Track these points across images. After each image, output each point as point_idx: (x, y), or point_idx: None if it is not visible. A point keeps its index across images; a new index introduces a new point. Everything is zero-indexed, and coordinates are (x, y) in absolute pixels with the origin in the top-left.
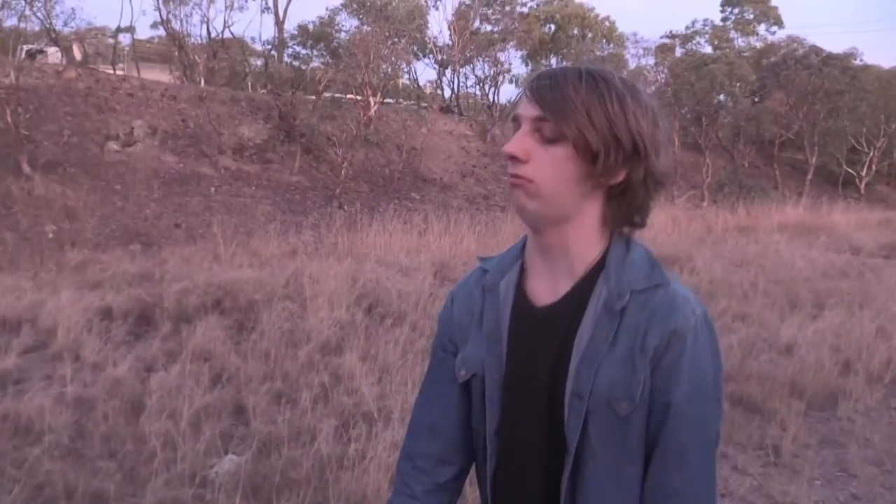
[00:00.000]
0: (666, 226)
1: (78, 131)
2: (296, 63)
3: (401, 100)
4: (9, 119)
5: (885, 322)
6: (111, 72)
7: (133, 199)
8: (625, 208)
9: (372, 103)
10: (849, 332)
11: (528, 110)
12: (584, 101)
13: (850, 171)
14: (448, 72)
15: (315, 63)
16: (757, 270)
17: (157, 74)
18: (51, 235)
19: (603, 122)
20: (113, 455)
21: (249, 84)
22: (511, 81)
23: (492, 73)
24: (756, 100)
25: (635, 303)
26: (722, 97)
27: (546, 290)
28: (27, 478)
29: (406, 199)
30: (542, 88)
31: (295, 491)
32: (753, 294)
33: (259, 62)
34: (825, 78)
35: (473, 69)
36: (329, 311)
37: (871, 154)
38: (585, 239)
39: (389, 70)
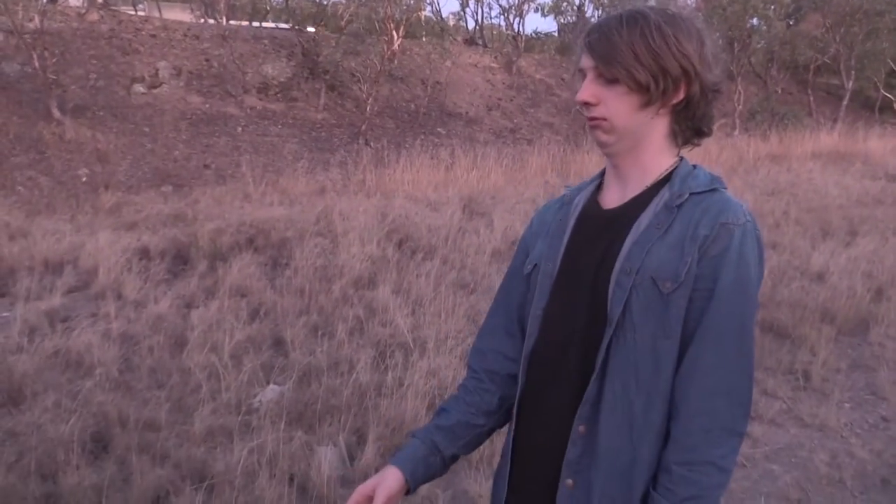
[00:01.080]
0: (696, 155)
1: (104, 74)
2: None
3: (423, 34)
4: (36, 64)
5: None
6: (132, 13)
7: (162, 140)
8: (690, 121)
9: (395, 37)
10: (882, 258)
11: (587, 62)
12: (629, 42)
13: (888, 95)
14: (471, 2)
15: None
16: (789, 199)
17: (178, 14)
18: (84, 179)
19: (648, 57)
20: (160, 386)
21: (271, 21)
22: (536, 10)
23: (516, 2)
24: (791, 23)
25: (692, 202)
26: (755, 21)
27: (616, 197)
28: (82, 408)
29: (432, 134)
30: (593, 42)
31: (336, 417)
32: (785, 222)
33: None
34: None
35: None
36: (360, 247)
37: None
38: (656, 154)
39: (412, 2)
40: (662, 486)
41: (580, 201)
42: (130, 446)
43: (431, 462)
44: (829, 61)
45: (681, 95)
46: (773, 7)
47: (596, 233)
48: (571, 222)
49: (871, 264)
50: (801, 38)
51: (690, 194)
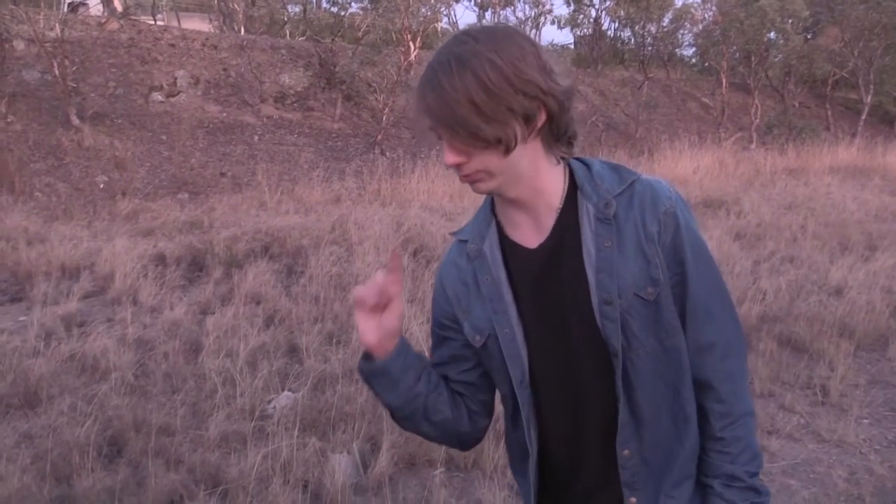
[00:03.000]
0: (713, 169)
1: (123, 83)
2: (334, 9)
3: (440, 44)
4: (56, 72)
5: None
6: (152, 22)
7: (179, 148)
8: (556, 134)
9: (412, 48)
10: None
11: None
12: (466, 95)
13: None
14: (488, 14)
15: (353, 8)
16: (806, 213)
17: (197, 24)
18: (102, 185)
19: (491, 105)
20: (176, 391)
21: (288, 32)
22: (553, 23)
23: (533, 14)
24: (808, 37)
25: (621, 205)
26: (772, 34)
27: (533, 232)
28: (98, 412)
29: None
30: (431, 104)
31: (350, 424)
32: (803, 237)
33: (297, 9)
34: (883, 12)
35: (514, 10)
36: (375, 256)
37: None
38: (547, 176)
39: (429, 13)
40: (716, 453)
41: (493, 250)
42: (145, 450)
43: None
44: (847, 76)
45: (542, 119)
46: (790, 21)
47: (542, 276)
48: (502, 276)
49: (890, 279)
50: (818, 52)
51: (615, 198)
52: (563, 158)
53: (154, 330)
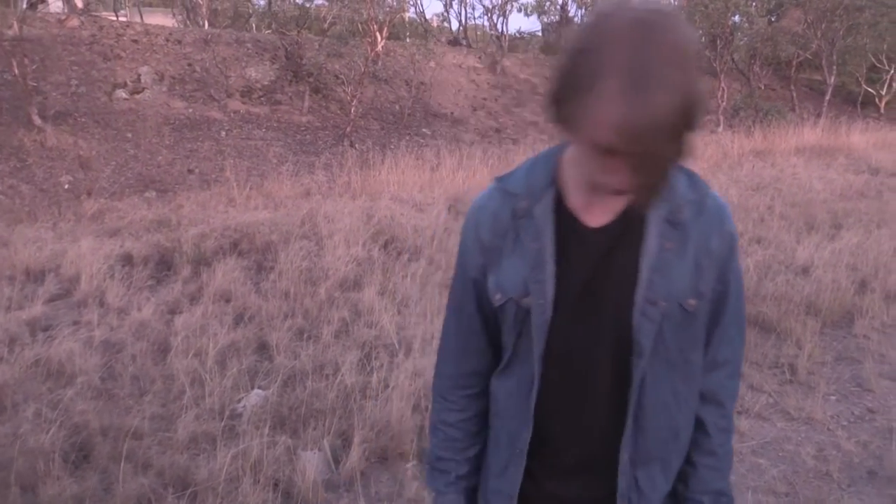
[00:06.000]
0: None
1: (85, 80)
2: (299, 0)
3: (407, 35)
4: (16, 71)
5: None
6: (114, 18)
7: (145, 146)
8: None
9: (379, 39)
10: (866, 251)
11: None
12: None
13: (869, 90)
14: (455, 3)
15: (319, 0)
16: (773, 194)
17: (160, 19)
18: (66, 186)
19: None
20: (143, 394)
21: (254, 25)
22: (520, 10)
23: (499, 2)
24: (773, 19)
25: (691, 212)
26: (737, 18)
27: (598, 211)
28: (63, 418)
29: (417, 135)
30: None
31: (321, 420)
32: (770, 217)
33: (262, 1)
34: None
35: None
36: (346, 249)
37: (892, 72)
38: None
39: (395, 3)
40: (708, 469)
41: (545, 216)
42: (112, 455)
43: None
44: (810, 57)
45: None
46: (754, 4)
47: (593, 257)
48: (550, 247)
49: (854, 257)
50: (782, 35)
51: (687, 203)
52: None
53: (121, 332)
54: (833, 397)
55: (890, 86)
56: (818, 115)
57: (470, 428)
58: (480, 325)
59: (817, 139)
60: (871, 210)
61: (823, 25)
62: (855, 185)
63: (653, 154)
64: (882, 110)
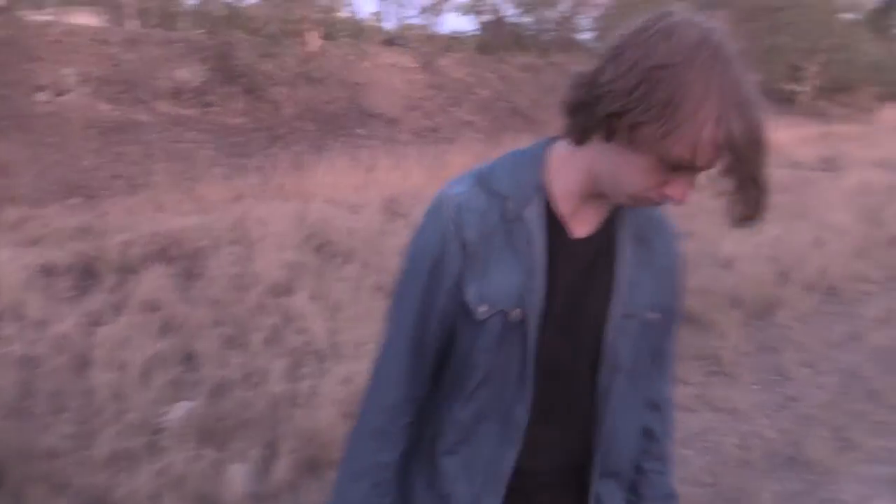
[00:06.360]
0: None
1: (3, 83)
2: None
3: (341, 34)
4: None
5: (821, 232)
6: (36, 17)
7: (69, 151)
8: None
9: (312, 39)
10: (786, 243)
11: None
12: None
13: (791, 88)
14: (390, 3)
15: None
16: (704, 188)
17: (86, 18)
18: None
19: None
20: (62, 411)
21: (183, 24)
22: (455, 10)
23: (433, 1)
24: None
25: (653, 227)
26: None
27: (584, 219)
28: None
29: (352, 136)
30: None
31: (249, 431)
32: (699, 211)
33: (193, 0)
34: None
35: None
36: (278, 253)
37: (811, 70)
38: None
39: (328, 2)
40: (657, 474)
41: (536, 221)
42: (27, 477)
43: None
44: None
45: None
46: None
47: (578, 268)
48: (541, 255)
49: (774, 249)
50: None
51: (649, 219)
52: None
53: (41, 345)
54: (756, 386)
55: (812, 83)
56: None
57: (397, 467)
58: (439, 341)
59: None
60: (791, 203)
61: (748, 25)
62: (777, 179)
63: (760, 168)
64: (804, 107)
